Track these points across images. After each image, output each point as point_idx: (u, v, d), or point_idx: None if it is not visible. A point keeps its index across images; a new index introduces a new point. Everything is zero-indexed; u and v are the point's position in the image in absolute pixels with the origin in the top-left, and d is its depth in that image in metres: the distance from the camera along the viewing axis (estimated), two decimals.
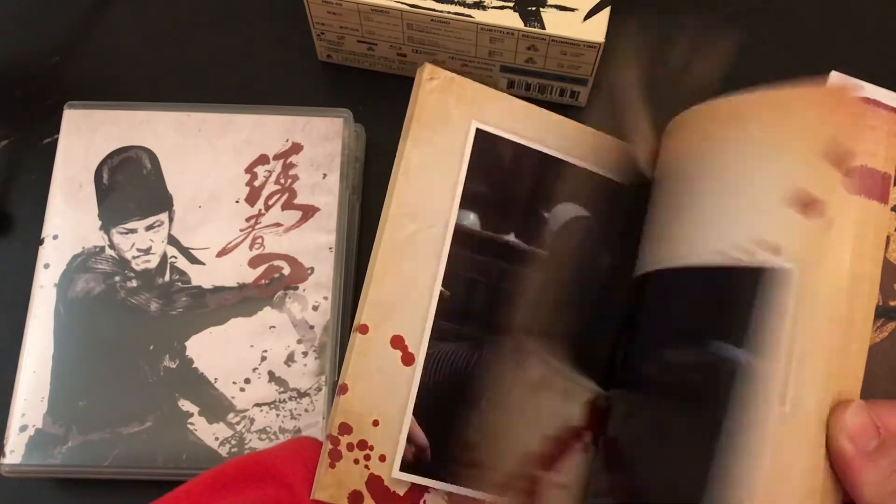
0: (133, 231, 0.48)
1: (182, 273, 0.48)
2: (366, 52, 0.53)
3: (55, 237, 0.48)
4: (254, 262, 0.48)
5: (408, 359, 0.39)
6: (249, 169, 0.50)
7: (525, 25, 0.47)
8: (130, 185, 0.49)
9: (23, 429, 0.45)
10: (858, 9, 0.56)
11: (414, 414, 0.39)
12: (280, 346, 0.46)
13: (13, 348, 0.47)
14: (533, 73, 0.51)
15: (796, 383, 0.33)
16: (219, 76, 0.55)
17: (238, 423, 0.45)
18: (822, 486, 0.33)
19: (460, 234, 0.41)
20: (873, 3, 0.56)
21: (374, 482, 0.37)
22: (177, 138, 0.50)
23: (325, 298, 0.47)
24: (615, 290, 0.42)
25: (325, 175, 0.49)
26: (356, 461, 0.37)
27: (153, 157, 0.50)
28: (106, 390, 0.46)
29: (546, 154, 0.43)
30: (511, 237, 0.42)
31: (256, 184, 0.49)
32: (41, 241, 0.48)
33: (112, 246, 0.48)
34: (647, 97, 0.45)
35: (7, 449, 0.45)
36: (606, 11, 0.47)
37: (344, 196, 0.49)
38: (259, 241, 0.48)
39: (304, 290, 0.47)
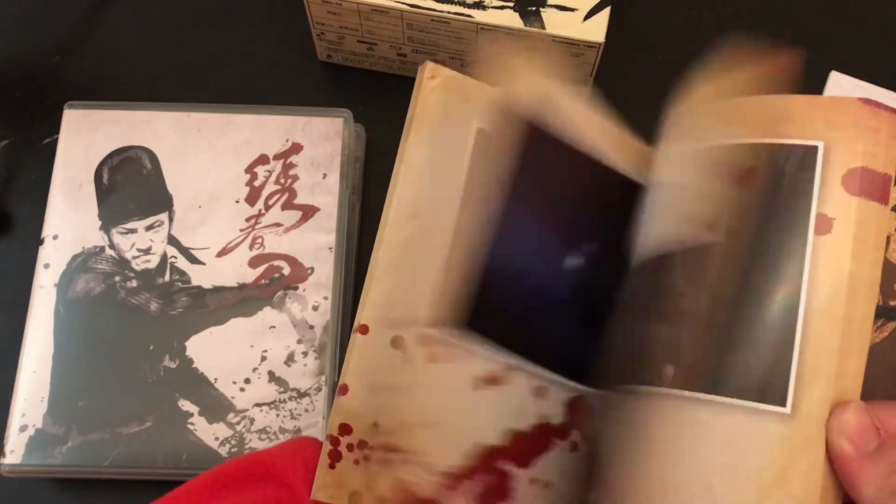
0: (133, 231, 0.48)
1: (182, 273, 0.48)
2: (366, 52, 0.53)
3: (55, 237, 0.48)
4: (254, 262, 0.48)
5: None
6: (249, 169, 0.50)
7: (525, 25, 0.47)
8: (130, 185, 0.49)
9: (23, 429, 0.45)
10: (858, 9, 0.56)
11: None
12: (280, 346, 0.46)
13: (13, 348, 0.47)
14: None
15: (796, 384, 0.33)
16: (219, 76, 0.55)
17: (238, 423, 0.45)
18: (822, 487, 0.33)
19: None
20: (873, 3, 0.56)
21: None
22: (177, 138, 0.50)
23: (325, 298, 0.47)
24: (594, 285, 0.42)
25: (325, 175, 0.49)
26: (356, 462, 0.37)
27: (153, 157, 0.50)
28: (106, 390, 0.46)
29: None
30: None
31: (256, 184, 0.49)
32: (41, 241, 0.48)
33: (112, 246, 0.48)
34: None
35: (7, 449, 0.45)
36: (606, 11, 0.47)
37: (344, 196, 0.49)
38: (259, 241, 0.48)
39: (304, 290, 0.47)
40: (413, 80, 0.43)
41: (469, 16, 0.47)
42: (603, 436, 0.39)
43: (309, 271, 0.48)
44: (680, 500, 0.34)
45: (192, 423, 0.45)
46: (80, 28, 0.56)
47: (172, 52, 0.55)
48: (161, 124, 0.50)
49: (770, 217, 0.35)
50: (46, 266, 0.48)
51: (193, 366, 0.46)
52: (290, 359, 0.46)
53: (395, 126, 0.43)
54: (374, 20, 0.49)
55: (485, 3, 0.47)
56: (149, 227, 0.49)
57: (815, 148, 0.35)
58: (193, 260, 0.48)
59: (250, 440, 0.45)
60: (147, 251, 0.48)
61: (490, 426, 0.40)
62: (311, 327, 0.47)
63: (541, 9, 0.47)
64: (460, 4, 0.47)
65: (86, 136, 0.50)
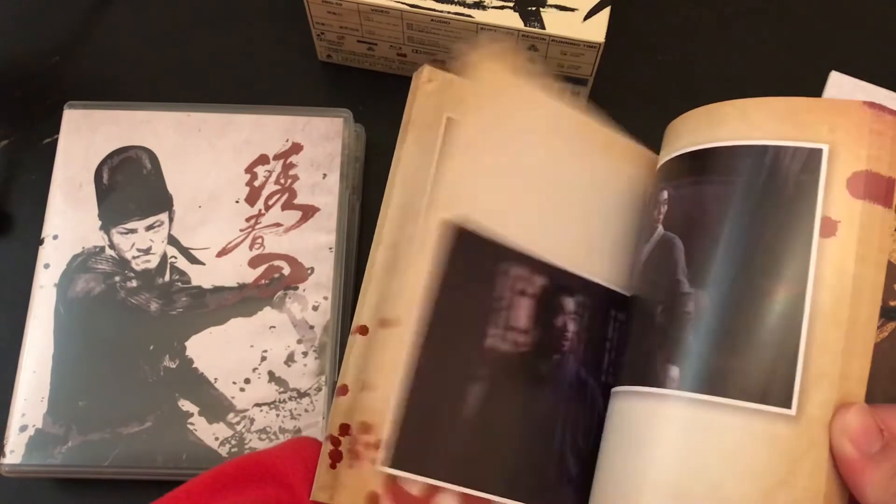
0: (133, 231, 0.48)
1: (182, 273, 0.48)
2: (366, 52, 0.53)
3: (55, 237, 0.48)
4: (254, 262, 0.48)
5: None
6: (249, 169, 0.50)
7: (525, 25, 0.47)
8: (130, 185, 0.49)
9: (23, 429, 0.45)
10: (858, 9, 0.56)
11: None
12: (280, 346, 0.46)
13: (13, 348, 0.47)
14: None
15: (801, 386, 0.33)
16: (219, 76, 0.55)
17: (238, 423, 0.45)
18: (826, 488, 0.33)
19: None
20: (873, 3, 0.56)
21: (390, 482, 0.37)
22: (177, 138, 0.50)
23: (325, 298, 0.47)
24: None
25: (325, 175, 0.49)
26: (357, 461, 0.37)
27: (153, 157, 0.50)
28: (106, 390, 0.46)
29: None
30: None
31: (256, 184, 0.49)
32: (41, 241, 0.48)
33: (112, 246, 0.48)
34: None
35: (7, 449, 0.45)
36: (606, 11, 0.47)
37: (344, 196, 0.49)
38: (259, 241, 0.48)
39: (304, 290, 0.47)
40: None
41: (469, 16, 0.47)
42: (607, 437, 0.39)
43: (309, 271, 0.48)
44: (685, 502, 0.34)
45: (192, 423, 0.45)
46: (80, 28, 0.56)
47: (172, 52, 0.56)
48: (161, 124, 0.50)
49: (775, 219, 0.35)
50: (46, 266, 0.48)
51: (193, 366, 0.46)
52: (290, 359, 0.46)
53: (396, 126, 0.43)
54: (374, 20, 0.49)
55: (485, 3, 0.47)
56: (149, 227, 0.49)
57: (819, 151, 0.35)
58: (193, 260, 0.48)
59: (250, 440, 0.45)
60: (147, 251, 0.48)
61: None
62: (311, 327, 0.47)
63: (541, 9, 0.47)
64: (460, 4, 0.47)
65: (86, 136, 0.50)
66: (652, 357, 0.37)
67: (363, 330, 0.39)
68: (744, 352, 0.34)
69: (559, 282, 0.42)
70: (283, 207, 0.49)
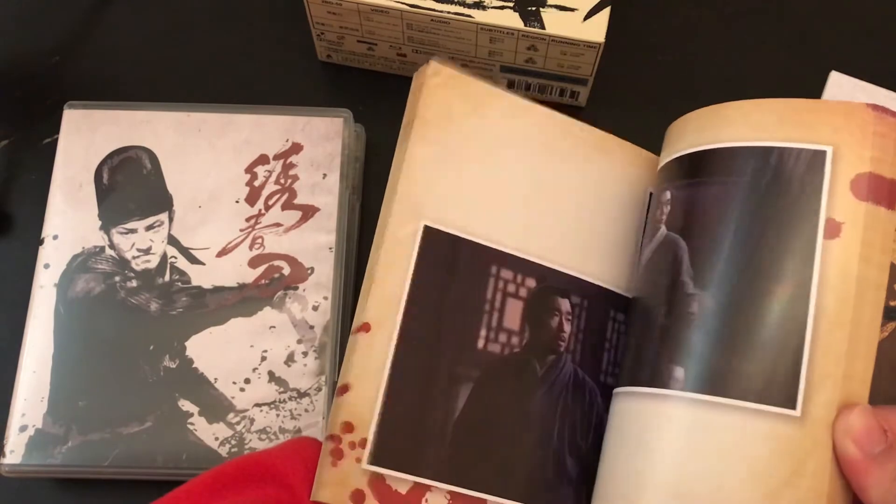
0: (133, 231, 0.48)
1: (182, 273, 0.48)
2: (366, 52, 0.53)
3: (55, 237, 0.48)
4: (254, 262, 0.48)
5: None
6: (249, 169, 0.50)
7: (525, 25, 0.47)
8: (130, 185, 0.49)
9: (23, 429, 0.45)
10: (858, 9, 0.56)
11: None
12: (280, 346, 0.46)
13: (13, 348, 0.47)
14: (533, 73, 0.51)
15: (806, 386, 0.33)
16: (219, 76, 0.55)
17: (238, 423, 0.45)
18: (829, 489, 0.33)
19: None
20: (873, 3, 0.56)
21: (378, 481, 0.37)
22: (177, 138, 0.50)
23: (325, 298, 0.47)
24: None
25: (325, 175, 0.49)
26: (358, 459, 0.37)
27: (153, 157, 0.50)
28: (106, 390, 0.46)
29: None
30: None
31: (256, 184, 0.49)
32: (41, 241, 0.48)
33: (112, 246, 0.48)
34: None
35: (7, 449, 0.45)
36: (606, 11, 0.47)
37: (344, 196, 0.49)
38: (259, 241, 0.48)
39: (304, 290, 0.47)
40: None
41: (469, 16, 0.47)
42: (609, 438, 0.39)
43: (309, 271, 0.48)
44: (688, 503, 0.34)
45: (192, 423, 0.45)
46: (80, 28, 0.56)
47: (172, 52, 0.56)
48: (161, 124, 0.50)
49: (779, 220, 0.35)
50: (46, 266, 0.48)
51: (193, 366, 0.46)
52: (290, 359, 0.46)
53: (395, 126, 0.43)
54: (374, 20, 0.49)
55: (485, 3, 0.47)
56: (149, 227, 0.49)
57: (823, 152, 0.35)
58: (193, 260, 0.48)
59: (250, 440, 0.45)
60: (147, 251, 0.48)
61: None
62: (311, 327, 0.47)
63: (541, 9, 0.47)
64: (460, 4, 0.47)
65: (86, 136, 0.50)
66: (655, 358, 0.37)
67: (367, 328, 0.39)
68: (748, 353, 0.35)
69: (553, 283, 0.42)
70: (283, 207, 0.49)
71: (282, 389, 0.46)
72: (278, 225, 0.49)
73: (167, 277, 0.48)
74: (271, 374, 0.46)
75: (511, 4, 0.47)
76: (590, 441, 0.41)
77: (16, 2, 0.57)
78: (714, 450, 0.34)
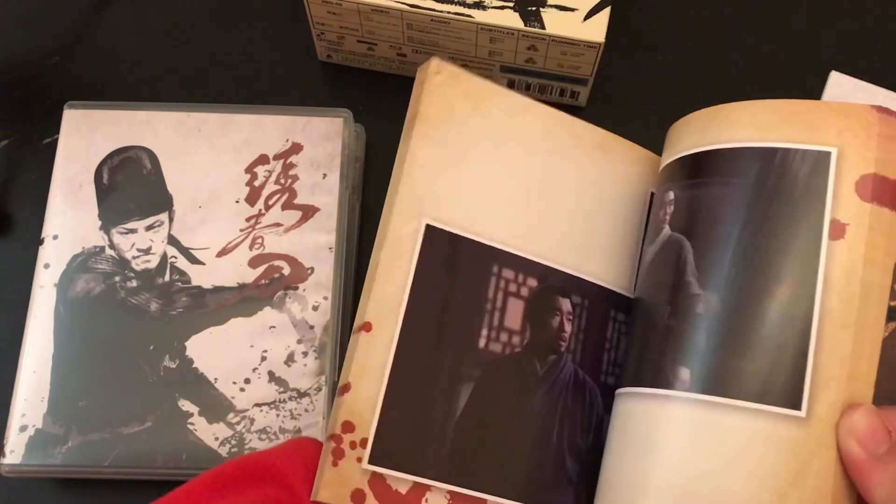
0: (133, 231, 0.48)
1: (182, 273, 0.48)
2: (366, 52, 0.53)
3: (55, 237, 0.48)
4: (254, 262, 0.48)
5: None
6: (249, 169, 0.50)
7: (525, 25, 0.47)
8: (130, 185, 0.49)
9: (23, 429, 0.45)
10: (858, 9, 0.56)
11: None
12: (280, 346, 0.46)
13: (13, 348, 0.47)
14: (533, 73, 0.51)
15: (811, 387, 0.34)
16: (219, 76, 0.55)
17: (238, 423, 0.45)
18: (834, 489, 0.33)
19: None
20: (873, 3, 0.56)
21: (378, 480, 0.37)
22: (177, 138, 0.50)
23: (325, 298, 0.47)
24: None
25: (325, 175, 0.49)
26: (359, 459, 0.37)
27: (153, 157, 0.50)
28: (106, 390, 0.46)
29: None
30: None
31: (256, 184, 0.49)
32: (41, 241, 0.48)
33: (112, 246, 0.48)
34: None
35: (7, 449, 0.45)
36: (606, 11, 0.47)
37: (344, 196, 0.49)
38: (259, 241, 0.48)
39: (304, 290, 0.47)
40: (413, 80, 0.44)
41: (469, 16, 0.47)
42: (612, 438, 0.39)
43: (309, 271, 0.48)
44: (694, 503, 0.34)
45: (192, 423, 0.45)
46: (80, 28, 0.56)
47: (172, 52, 0.56)
48: (161, 124, 0.50)
49: (784, 221, 0.35)
50: (46, 266, 0.48)
51: (193, 366, 0.46)
52: (290, 359, 0.46)
53: (395, 126, 0.43)
54: (374, 20, 0.49)
55: (485, 3, 0.47)
56: (149, 227, 0.49)
57: (828, 154, 0.36)
58: (193, 260, 0.48)
59: (250, 440, 0.45)
60: (147, 251, 0.48)
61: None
62: (311, 327, 0.47)
63: (541, 9, 0.47)
64: (460, 4, 0.47)
65: (86, 136, 0.50)
66: (660, 359, 0.37)
67: (368, 327, 0.39)
68: (754, 354, 0.35)
69: (554, 282, 0.42)
70: (283, 207, 0.49)
71: (282, 389, 0.46)
72: (278, 225, 0.49)
73: (167, 277, 0.48)
74: (271, 374, 0.46)
75: (511, 4, 0.47)
76: (590, 441, 0.41)
77: (16, 2, 0.57)
78: (719, 450, 0.34)
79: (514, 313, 0.41)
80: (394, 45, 0.51)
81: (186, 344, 0.46)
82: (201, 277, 0.48)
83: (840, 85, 0.50)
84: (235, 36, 0.56)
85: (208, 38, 0.56)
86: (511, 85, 0.53)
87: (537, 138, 0.43)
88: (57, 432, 0.45)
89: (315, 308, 0.47)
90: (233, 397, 0.46)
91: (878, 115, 0.36)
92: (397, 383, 0.39)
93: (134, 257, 0.48)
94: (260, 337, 0.47)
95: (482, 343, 0.40)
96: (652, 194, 0.45)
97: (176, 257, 0.48)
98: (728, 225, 0.37)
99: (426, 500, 0.38)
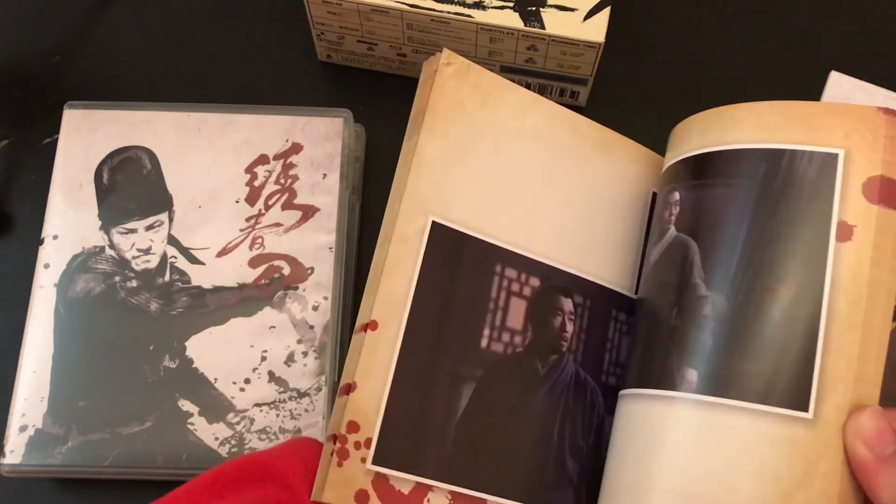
0: (133, 231, 0.48)
1: (182, 273, 0.48)
2: (366, 52, 0.53)
3: (55, 237, 0.48)
4: (254, 262, 0.48)
5: None
6: (249, 169, 0.50)
7: (525, 25, 0.47)
8: (130, 185, 0.49)
9: (23, 429, 0.45)
10: (858, 9, 0.56)
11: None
12: (280, 346, 0.46)
13: (13, 348, 0.47)
14: (533, 73, 0.51)
15: (818, 389, 0.34)
16: (219, 76, 0.55)
17: (238, 423, 0.45)
18: (841, 490, 0.33)
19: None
20: (873, 3, 0.56)
21: (381, 481, 0.37)
22: (177, 138, 0.50)
23: (325, 298, 0.47)
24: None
25: (325, 175, 0.49)
26: (363, 460, 0.37)
27: (153, 157, 0.50)
28: (106, 390, 0.46)
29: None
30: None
31: (256, 184, 0.49)
32: (41, 241, 0.48)
33: (112, 246, 0.48)
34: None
35: (7, 449, 0.45)
36: (606, 11, 0.47)
37: (344, 196, 0.49)
38: (259, 241, 0.48)
39: (304, 290, 0.47)
40: (413, 79, 0.43)
41: (469, 16, 0.47)
42: (616, 439, 0.39)
43: (309, 271, 0.48)
44: None
45: (192, 423, 0.45)
46: (80, 28, 0.56)
47: (172, 52, 0.56)
48: (161, 124, 0.50)
49: (791, 223, 0.35)
50: (46, 266, 0.48)
51: (193, 366, 0.46)
52: (290, 359, 0.46)
53: (395, 126, 0.43)
54: (374, 20, 0.49)
55: (485, 3, 0.47)
56: (149, 227, 0.49)
57: (835, 155, 0.36)
58: (193, 260, 0.48)
59: (250, 440, 0.45)
60: (147, 251, 0.48)
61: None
62: (311, 327, 0.47)
63: (541, 9, 0.47)
64: (460, 4, 0.47)
65: (86, 136, 0.50)
66: (666, 360, 0.37)
67: (374, 325, 0.39)
68: (761, 355, 0.35)
69: (556, 282, 0.42)
70: (283, 207, 0.49)
71: (282, 389, 0.46)
72: (278, 225, 0.49)
73: (167, 277, 0.48)
74: (271, 374, 0.46)
75: (511, 4, 0.47)
76: (591, 441, 0.41)
77: (16, 2, 0.57)
78: (725, 452, 0.34)
79: (517, 313, 0.41)
80: (394, 45, 0.51)
81: (186, 344, 0.46)
82: (201, 277, 0.48)
83: (840, 85, 0.50)
84: (235, 36, 0.56)
85: (208, 38, 0.56)
86: None
87: (544, 135, 0.43)
88: (57, 432, 0.45)
89: (315, 308, 0.47)
90: (233, 397, 0.46)
91: (884, 117, 0.36)
92: (401, 383, 0.38)
93: (134, 257, 0.48)
94: (260, 337, 0.47)
95: (484, 343, 0.40)
96: (654, 194, 0.45)
97: (176, 257, 0.48)
98: (734, 226, 0.37)
99: (428, 501, 0.38)
